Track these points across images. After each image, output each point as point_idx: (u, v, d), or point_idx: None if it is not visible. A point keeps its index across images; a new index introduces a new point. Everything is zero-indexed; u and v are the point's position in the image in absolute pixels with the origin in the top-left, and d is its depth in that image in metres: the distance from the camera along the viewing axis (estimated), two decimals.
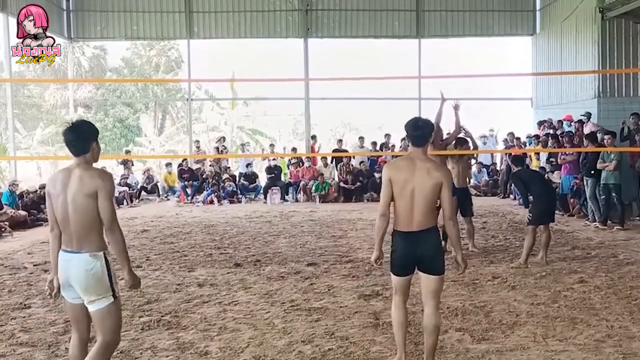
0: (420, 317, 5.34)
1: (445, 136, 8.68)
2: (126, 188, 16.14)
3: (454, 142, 8.46)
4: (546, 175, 13.10)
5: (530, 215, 7.58)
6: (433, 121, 7.82)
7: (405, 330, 4.16)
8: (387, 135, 17.56)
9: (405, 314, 4.15)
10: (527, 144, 15.35)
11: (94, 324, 3.51)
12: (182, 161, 17.15)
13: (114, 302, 3.49)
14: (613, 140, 10.31)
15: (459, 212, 8.09)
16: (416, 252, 3.97)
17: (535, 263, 7.48)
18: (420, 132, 4.02)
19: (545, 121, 15.62)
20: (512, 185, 15.60)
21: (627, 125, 12.08)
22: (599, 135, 11.17)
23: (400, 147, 16.67)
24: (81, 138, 3.52)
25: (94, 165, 3.58)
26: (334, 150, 17.92)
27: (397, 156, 16.55)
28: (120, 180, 16.48)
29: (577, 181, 11.87)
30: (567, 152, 12.29)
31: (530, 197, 7.96)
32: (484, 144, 16.70)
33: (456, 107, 8.25)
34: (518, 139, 15.87)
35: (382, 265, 4.17)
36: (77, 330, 3.62)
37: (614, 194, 10.31)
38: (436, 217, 4.06)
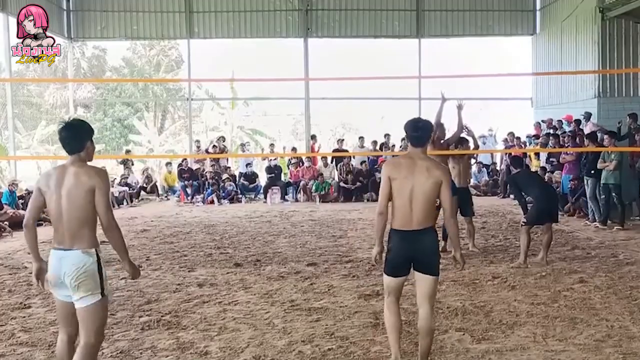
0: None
1: (447, 135, 8.66)
2: (126, 188, 16.14)
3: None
4: (546, 175, 13.12)
5: (525, 216, 7.63)
6: (433, 121, 7.89)
7: (398, 332, 4.12)
8: (387, 135, 17.56)
9: (399, 317, 4.13)
10: (527, 144, 15.35)
11: (79, 321, 3.51)
12: (182, 161, 17.15)
13: (101, 300, 3.50)
14: (611, 140, 10.29)
15: (459, 211, 8.11)
16: (414, 251, 3.95)
17: (535, 263, 7.48)
18: (420, 133, 4.02)
19: (544, 121, 15.63)
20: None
21: (622, 125, 12.10)
22: (598, 135, 11.17)
23: (400, 147, 16.67)
24: (76, 136, 3.54)
25: (88, 163, 3.59)
26: (334, 150, 17.92)
27: (397, 155, 16.58)
28: (120, 180, 16.49)
29: (573, 182, 11.87)
30: (568, 152, 12.29)
31: (529, 199, 7.98)
32: (484, 143, 16.70)
33: (459, 107, 8.22)
34: (518, 138, 15.87)
35: (383, 260, 4.12)
36: (66, 329, 3.63)
37: (614, 194, 10.30)
38: (435, 217, 4.07)
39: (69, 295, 3.51)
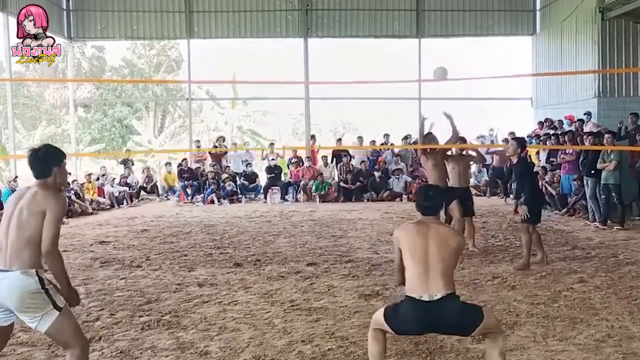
0: None
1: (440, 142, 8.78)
2: (126, 188, 16.15)
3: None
4: (547, 175, 13.12)
5: (528, 214, 7.27)
6: (451, 139, 8.27)
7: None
8: (387, 135, 17.57)
9: (384, 347, 3.87)
10: (528, 144, 15.36)
11: (55, 342, 3.54)
12: (182, 160, 17.16)
13: (61, 314, 3.38)
14: (613, 139, 10.30)
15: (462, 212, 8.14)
16: (432, 323, 3.64)
17: (535, 263, 7.48)
18: (432, 202, 3.84)
19: (547, 120, 15.64)
20: (513, 184, 15.67)
21: (624, 125, 12.10)
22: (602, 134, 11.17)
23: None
24: (41, 162, 3.53)
25: (55, 189, 3.54)
26: (334, 149, 17.93)
27: (396, 155, 16.60)
28: (120, 180, 16.50)
29: (577, 181, 11.88)
30: (567, 152, 12.30)
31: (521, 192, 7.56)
32: (483, 143, 16.69)
33: (448, 117, 8.32)
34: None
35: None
36: None
37: (614, 194, 10.30)
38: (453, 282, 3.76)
39: (6, 318, 3.46)
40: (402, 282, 3.80)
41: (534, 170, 11.27)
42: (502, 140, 16.76)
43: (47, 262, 3.42)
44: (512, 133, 16.23)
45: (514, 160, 7.43)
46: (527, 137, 15.84)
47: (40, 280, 3.36)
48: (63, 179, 3.65)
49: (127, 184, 16.34)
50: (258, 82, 25.19)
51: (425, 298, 3.55)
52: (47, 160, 3.53)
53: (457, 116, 8.45)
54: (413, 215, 11.84)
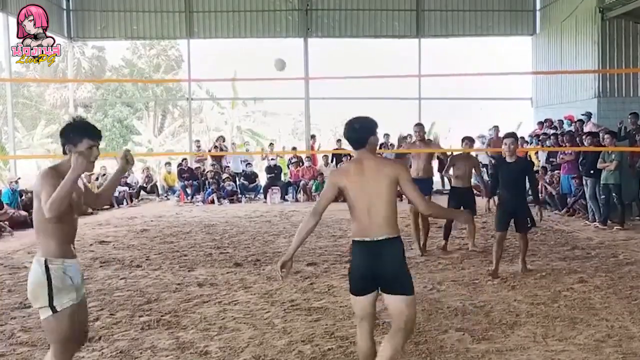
0: (420, 317, 5.35)
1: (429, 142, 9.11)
2: (126, 188, 16.15)
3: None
4: (547, 174, 13.12)
5: (529, 219, 6.90)
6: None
7: None
8: (387, 135, 17.55)
9: (373, 346, 3.59)
10: (529, 144, 15.35)
11: None
12: (182, 160, 17.16)
13: (52, 317, 3.23)
14: (612, 140, 10.30)
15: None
16: (375, 266, 3.44)
17: (535, 263, 7.48)
18: (356, 134, 3.57)
19: (546, 120, 15.63)
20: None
21: (624, 125, 12.10)
22: (600, 135, 11.17)
23: (401, 147, 16.64)
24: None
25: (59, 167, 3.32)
26: (334, 150, 17.92)
27: (397, 154, 16.55)
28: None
29: (575, 180, 11.89)
30: (567, 152, 12.30)
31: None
32: (483, 143, 16.68)
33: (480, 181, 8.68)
34: (522, 138, 15.84)
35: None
36: None
37: (614, 194, 10.31)
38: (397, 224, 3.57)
39: None
40: (319, 213, 3.53)
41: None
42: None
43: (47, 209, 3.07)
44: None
45: (512, 159, 6.86)
46: (529, 136, 15.85)
47: (47, 270, 3.21)
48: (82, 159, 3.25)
49: (126, 184, 16.33)
50: (257, 80, 25.17)
51: (368, 239, 3.44)
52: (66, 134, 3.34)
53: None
54: None
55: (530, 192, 8.31)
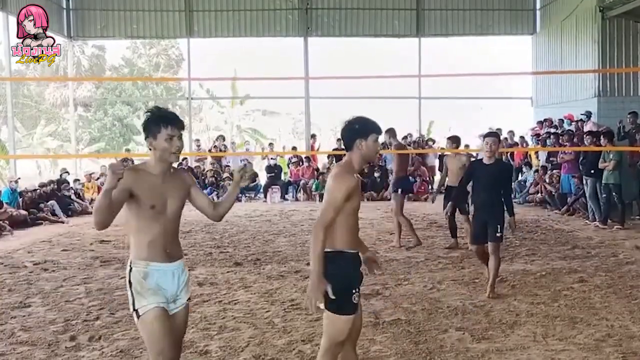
0: (420, 316, 5.36)
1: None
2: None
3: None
4: (547, 173, 13.12)
5: (500, 227, 5.93)
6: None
7: None
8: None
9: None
10: (530, 143, 15.38)
11: None
12: (183, 160, 17.13)
13: (139, 322, 3.07)
14: (606, 140, 10.30)
15: (457, 210, 8.14)
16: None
17: (535, 262, 7.48)
18: (342, 133, 3.39)
19: (546, 120, 15.64)
20: (513, 182, 15.65)
21: (622, 125, 12.11)
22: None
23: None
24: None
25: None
26: (334, 149, 17.90)
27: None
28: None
29: (576, 178, 11.89)
30: (566, 151, 12.30)
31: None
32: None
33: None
34: (522, 137, 15.87)
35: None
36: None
37: (614, 194, 10.31)
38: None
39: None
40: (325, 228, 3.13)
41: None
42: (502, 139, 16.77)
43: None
44: (512, 132, 16.25)
45: (490, 160, 6.01)
46: (531, 136, 15.86)
47: (129, 273, 3.08)
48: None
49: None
50: (257, 79, 25.20)
51: (357, 251, 3.35)
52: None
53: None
54: (413, 214, 11.84)
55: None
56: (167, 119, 3.09)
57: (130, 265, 3.09)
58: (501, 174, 6.01)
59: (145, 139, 3.14)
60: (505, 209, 5.94)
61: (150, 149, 3.14)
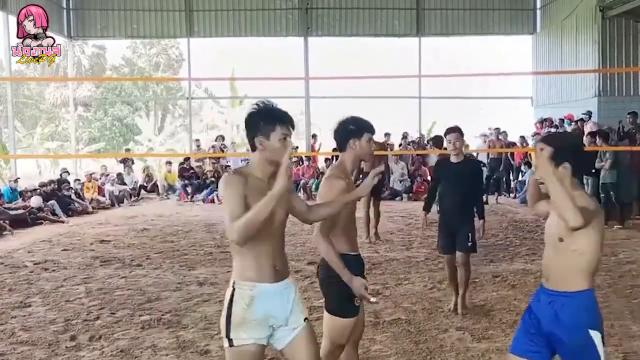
0: (420, 316, 5.35)
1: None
2: (126, 187, 16.16)
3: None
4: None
5: (471, 235, 5.37)
6: None
7: None
8: (387, 135, 17.54)
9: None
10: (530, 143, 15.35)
11: None
12: (184, 160, 17.16)
13: (228, 350, 2.69)
14: (603, 142, 10.32)
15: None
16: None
17: (535, 262, 7.48)
18: (335, 134, 3.36)
19: (546, 120, 15.63)
20: (513, 181, 15.63)
21: (622, 125, 12.11)
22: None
23: (400, 145, 16.69)
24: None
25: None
26: (334, 149, 17.91)
27: (398, 155, 16.58)
28: (117, 178, 16.47)
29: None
30: None
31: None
32: (485, 142, 16.70)
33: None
34: (522, 137, 15.85)
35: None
36: None
37: (611, 193, 10.33)
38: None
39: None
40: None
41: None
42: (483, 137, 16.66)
43: None
44: (505, 132, 16.21)
45: (457, 159, 5.41)
46: (531, 135, 15.83)
47: (232, 296, 2.68)
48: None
49: (123, 183, 16.32)
50: (257, 79, 25.20)
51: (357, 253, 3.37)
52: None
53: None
54: (413, 213, 11.85)
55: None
56: (283, 116, 2.71)
57: (233, 286, 2.69)
58: (470, 172, 5.42)
59: (253, 137, 2.70)
60: (475, 212, 5.40)
61: (254, 149, 2.72)
